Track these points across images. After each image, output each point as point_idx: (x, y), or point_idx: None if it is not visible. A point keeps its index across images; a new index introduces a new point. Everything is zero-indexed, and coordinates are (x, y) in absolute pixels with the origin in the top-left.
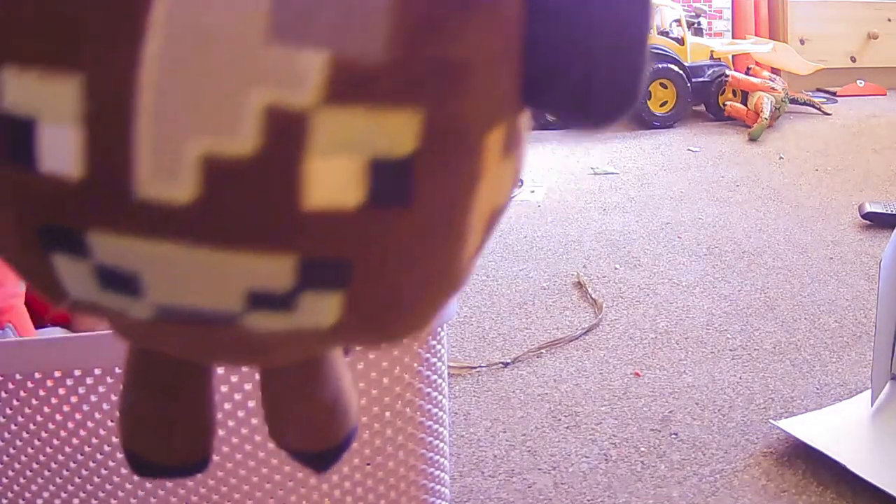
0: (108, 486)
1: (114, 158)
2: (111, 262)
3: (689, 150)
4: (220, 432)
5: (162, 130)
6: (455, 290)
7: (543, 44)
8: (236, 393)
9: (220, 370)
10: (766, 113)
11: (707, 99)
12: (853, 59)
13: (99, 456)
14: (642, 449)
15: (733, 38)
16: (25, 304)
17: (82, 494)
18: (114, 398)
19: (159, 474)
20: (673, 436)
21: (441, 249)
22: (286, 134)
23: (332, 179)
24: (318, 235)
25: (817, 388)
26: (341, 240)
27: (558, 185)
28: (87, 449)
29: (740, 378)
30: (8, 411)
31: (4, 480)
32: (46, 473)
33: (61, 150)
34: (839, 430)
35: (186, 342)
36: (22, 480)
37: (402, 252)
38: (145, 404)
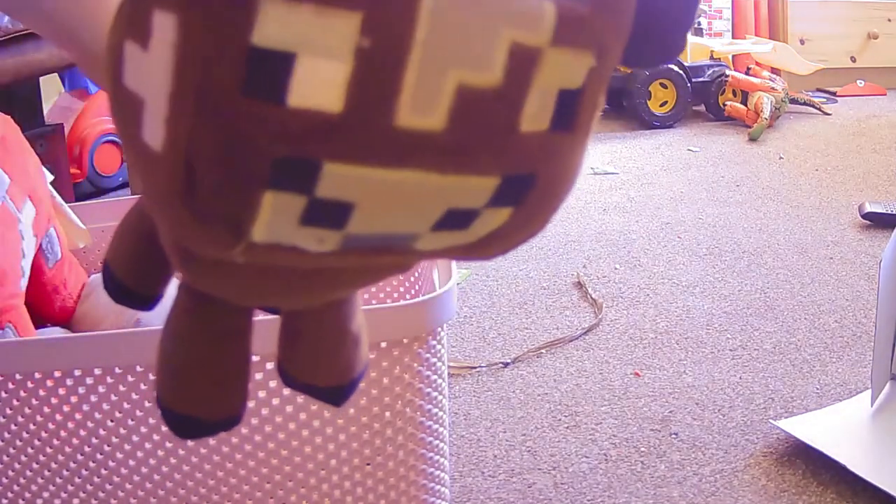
0: (108, 486)
1: (380, 90)
2: (333, 195)
3: (689, 150)
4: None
5: (428, 63)
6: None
7: None
8: None
9: None
10: (766, 113)
11: (707, 99)
12: (853, 59)
13: (99, 456)
14: (642, 449)
15: (733, 38)
16: (25, 304)
17: (82, 494)
18: (114, 398)
19: (204, 431)
20: (673, 436)
21: (578, 167)
22: (521, 67)
23: (540, 107)
24: (521, 155)
25: (817, 388)
26: (533, 158)
27: None
28: (87, 449)
29: (740, 378)
30: (8, 411)
31: (4, 480)
32: (46, 473)
33: (321, 85)
34: (839, 430)
35: (338, 276)
36: (22, 480)
37: (562, 169)
38: (199, 356)
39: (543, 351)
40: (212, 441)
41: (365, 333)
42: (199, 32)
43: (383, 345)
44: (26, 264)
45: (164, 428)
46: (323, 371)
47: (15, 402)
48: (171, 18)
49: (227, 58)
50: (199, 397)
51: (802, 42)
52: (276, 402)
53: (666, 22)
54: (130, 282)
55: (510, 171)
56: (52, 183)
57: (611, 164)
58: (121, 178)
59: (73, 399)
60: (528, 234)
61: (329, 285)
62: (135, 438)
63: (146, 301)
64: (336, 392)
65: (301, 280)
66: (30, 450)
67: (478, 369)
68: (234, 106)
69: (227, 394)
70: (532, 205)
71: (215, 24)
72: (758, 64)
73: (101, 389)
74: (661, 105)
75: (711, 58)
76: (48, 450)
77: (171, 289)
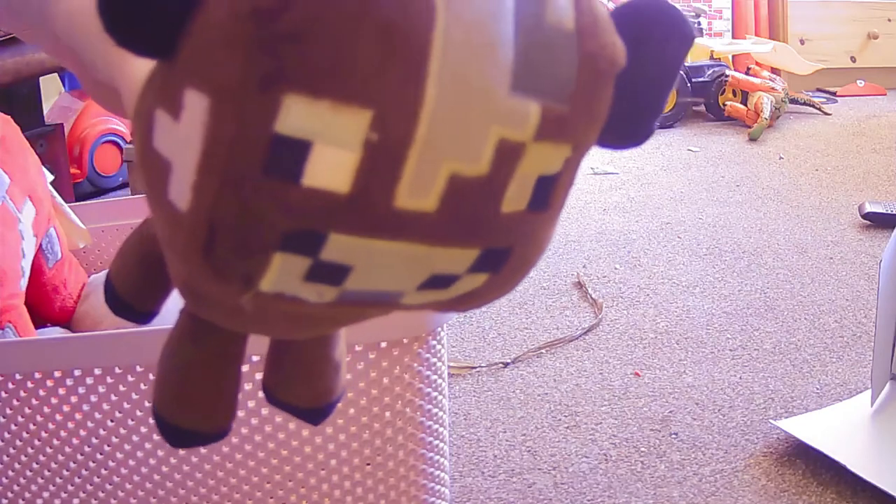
0: (108, 486)
1: (383, 177)
2: (334, 258)
3: (689, 150)
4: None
5: (426, 156)
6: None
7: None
8: None
9: None
10: (766, 113)
11: (707, 99)
12: (853, 59)
13: (99, 456)
14: (642, 449)
15: (733, 38)
16: (25, 304)
17: (82, 494)
18: (114, 398)
19: (197, 443)
20: (673, 436)
21: (550, 238)
22: (507, 160)
23: (520, 192)
24: (500, 232)
25: (817, 388)
26: (511, 234)
27: None
28: (87, 449)
29: (740, 378)
30: (8, 411)
31: (4, 480)
32: (46, 473)
33: (332, 170)
34: (839, 430)
35: (332, 318)
36: (22, 480)
37: (536, 241)
38: (196, 375)
39: (543, 351)
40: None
41: (345, 359)
42: (228, 117)
43: (383, 345)
44: (26, 264)
45: None
46: (304, 393)
47: (15, 402)
48: (203, 99)
49: (252, 141)
50: (193, 412)
51: (802, 42)
52: None
53: (636, 112)
54: (131, 299)
55: (490, 245)
56: (52, 183)
57: (611, 164)
58: (121, 178)
59: (73, 399)
60: (501, 294)
61: (322, 326)
62: (135, 438)
63: (146, 316)
64: (315, 413)
65: (299, 320)
66: (30, 450)
67: (478, 369)
68: (255, 182)
69: (219, 410)
70: (507, 271)
71: (244, 111)
72: (758, 64)
73: (101, 389)
74: None
75: (711, 58)
76: (48, 450)
77: (171, 302)
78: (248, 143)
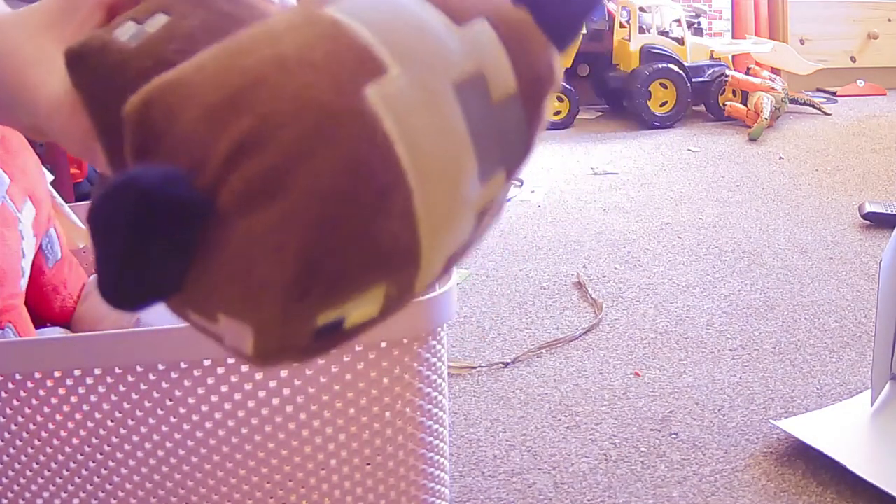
0: (108, 486)
1: (402, 301)
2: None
3: (689, 150)
4: (220, 432)
5: (429, 268)
6: None
7: None
8: (236, 393)
9: (219, 370)
10: (766, 113)
11: (707, 99)
12: (853, 59)
13: (99, 456)
14: (642, 449)
15: (733, 38)
16: (25, 304)
17: (82, 494)
18: (114, 398)
19: None
20: (673, 436)
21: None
22: (482, 218)
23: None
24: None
25: (817, 388)
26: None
27: (558, 185)
28: (87, 449)
29: (740, 378)
30: (8, 411)
31: (4, 480)
32: (46, 473)
33: (365, 317)
34: (839, 430)
35: None
36: (22, 480)
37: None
38: None
39: (543, 351)
40: (212, 441)
41: None
42: (274, 338)
43: (383, 345)
44: (26, 264)
45: (165, 428)
46: None
47: (15, 402)
48: (244, 327)
49: (298, 339)
50: None
51: (802, 42)
52: (275, 401)
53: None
54: None
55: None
56: (52, 183)
57: (611, 164)
58: None
59: (73, 399)
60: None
61: None
62: (135, 438)
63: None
64: None
65: None
66: (30, 450)
67: (478, 369)
68: (306, 343)
69: None
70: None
71: (286, 334)
72: (758, 64)
73: (101, 389)
74: (661, 105)
75: (711, 58)
76: (48, 450)
77: None
78: (294, 341)
